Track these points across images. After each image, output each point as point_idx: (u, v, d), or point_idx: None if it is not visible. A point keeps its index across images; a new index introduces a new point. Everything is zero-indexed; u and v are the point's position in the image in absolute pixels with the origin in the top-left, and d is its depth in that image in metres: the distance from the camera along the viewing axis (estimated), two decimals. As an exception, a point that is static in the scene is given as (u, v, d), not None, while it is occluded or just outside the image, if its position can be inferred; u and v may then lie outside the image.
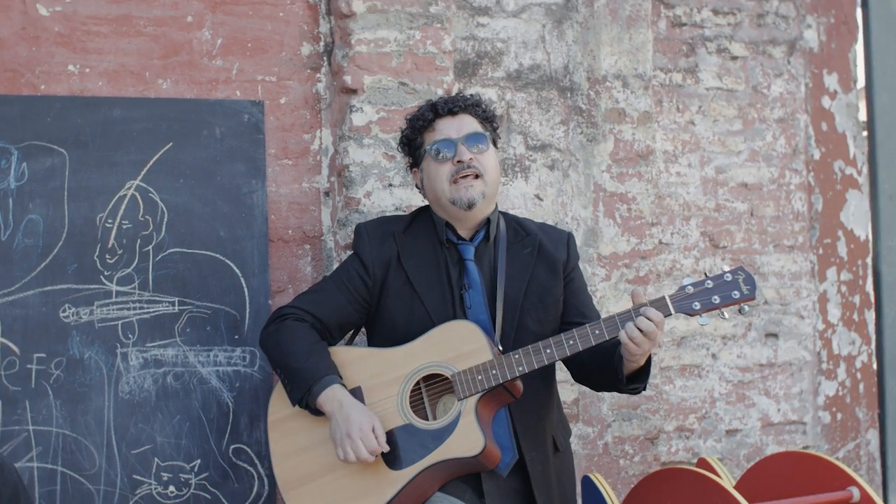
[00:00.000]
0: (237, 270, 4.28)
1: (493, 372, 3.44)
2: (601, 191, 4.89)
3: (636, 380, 3.58)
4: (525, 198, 4.77)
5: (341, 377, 3.53)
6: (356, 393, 3.53)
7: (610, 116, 4.90)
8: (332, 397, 3.46)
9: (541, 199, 4.79)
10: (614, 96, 4.91)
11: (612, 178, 4.90)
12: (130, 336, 4.16)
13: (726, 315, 3.45)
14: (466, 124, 3.68)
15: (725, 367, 5.27)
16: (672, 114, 5.20)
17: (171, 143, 4.25)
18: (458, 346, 3.49)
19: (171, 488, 4.15)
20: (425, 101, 4.15)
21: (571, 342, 3.46)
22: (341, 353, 3.62)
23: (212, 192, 4.28)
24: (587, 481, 4.08)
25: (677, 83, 5.21)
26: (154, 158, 4.23)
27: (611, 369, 3.57)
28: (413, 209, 4.01)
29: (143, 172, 4.22)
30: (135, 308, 4.17)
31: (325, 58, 4.46)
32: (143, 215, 4.21)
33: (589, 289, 4.74)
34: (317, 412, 3.54)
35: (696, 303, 3.43)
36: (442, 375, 3.51)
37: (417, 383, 3.53)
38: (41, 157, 4.11)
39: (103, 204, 4.16)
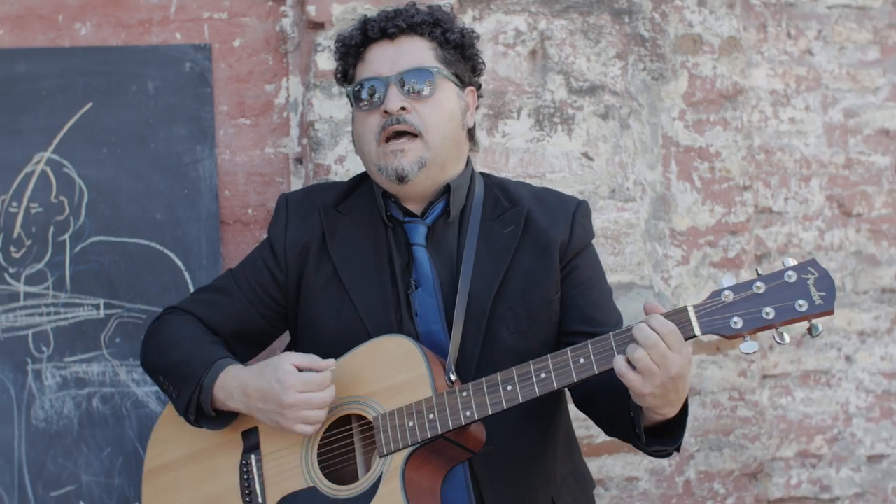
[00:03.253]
0: (179, 263, 3.37)
1: (430, 417, 2.38)
2: (673, 145, 3.69)
3: (662, 437, 2.42)
4: (569, 157, 3.63)
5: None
6: (250, 437, 2.54)
7: (682, 46, 3.69)
8: (230, 384, 2.51)
9: (590, 159, 3.64)
10: (687, 18, 3.69)
11: (686, 127, 3.70)
12: (44, 349, 3.32)
13: (786, 338, 2.25)
14: (407, 53, 2.60)
15: (865, 374, 3.99)
16: (781, 41, 3.93)
17: (90, 104, 3.38)
18: (390, 373, 2.45)
19: (98, 539, 3.29)
20: None
21: (544, 376, 2.33)
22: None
23: (144, 164, 3.39)
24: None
25: (787, 0, 3.92)
26: (69, 124, 3.37)
27: (624, 415, 2.44)
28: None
29: (55, 142, 3.36)
30: (49, 313, 3.33)
31: (293, -15, 3.47)
32: (57, 196, 3.35)
33: (661, 275, 3.59)
34: (216, 421, 2.59)
35: (737, 318, 2.23)
36: (365, 417, 2.47)
37: (342, 422, 2.50)
38: (-74, 128, 3.32)
39: (5, 183, 3.34)
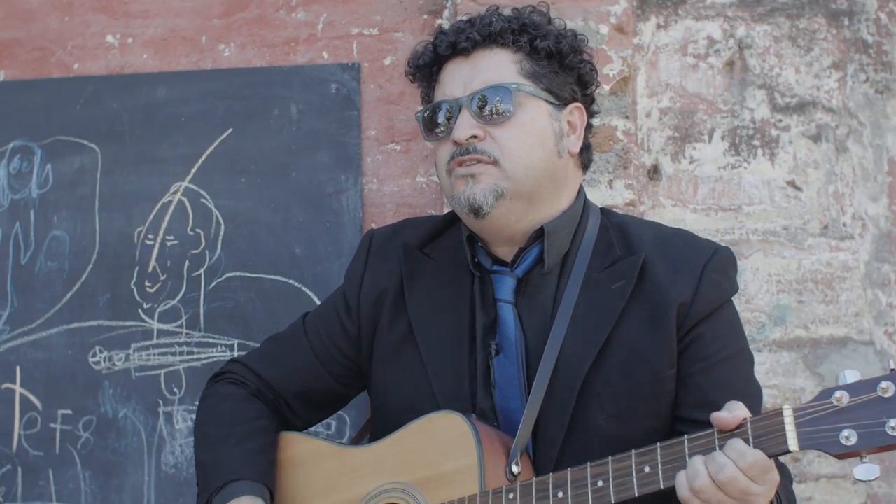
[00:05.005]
0: (318, 302, 3.06)
1: None
2: (902, 172, 3.02)
3: None
4: (770, 187, 3.05)
5: (271, 485, 2.18)
6: None
7: (916, 51, 3.02)
8: None
9: (797, 189, 3.04)
10: (923, 17, 3.02)
11: (920, 150, 3.02)
12: (176, 390, 3.11)
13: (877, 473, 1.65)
14: (483, 70, 2.13)
15: None
16: None
17: (230, 130, 3.16)
18: (438, 458, 2.02)
19: None
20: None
21: (601, 484, 1.82)
22: (296, 445, 2.27)
23: (284, 194, 3.12)
24: None
25: None
26: (208, 151, 3.16)
27: None
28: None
29: (193, 171, 3.16)
30: (182, 353, 3.12)
31: (450, -5, 3.11)
32: (193, 228, 3.14)
33: (884, 329, 2.97)
34: None
35: (850, 430, 1.66)
36: None
37: None
38: (68, 157, 3.21)
39: (142, 214, 3.17)
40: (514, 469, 1.95)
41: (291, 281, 3.10)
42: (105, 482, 3.12)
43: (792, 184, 3.05)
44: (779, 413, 1.70)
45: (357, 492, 2.10)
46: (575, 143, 2.18)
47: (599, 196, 2.88)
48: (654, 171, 3.08)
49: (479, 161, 2.07)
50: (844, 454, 1.66)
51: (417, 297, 2.21)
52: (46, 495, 3.14)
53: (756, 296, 3.05)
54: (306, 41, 3.18)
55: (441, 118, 2.13)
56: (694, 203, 3.07)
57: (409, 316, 2.20)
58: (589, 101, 2.24)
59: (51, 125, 3.21)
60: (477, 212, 2.08)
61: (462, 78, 2.13)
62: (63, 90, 3.21)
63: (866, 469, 1.65)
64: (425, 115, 2.17)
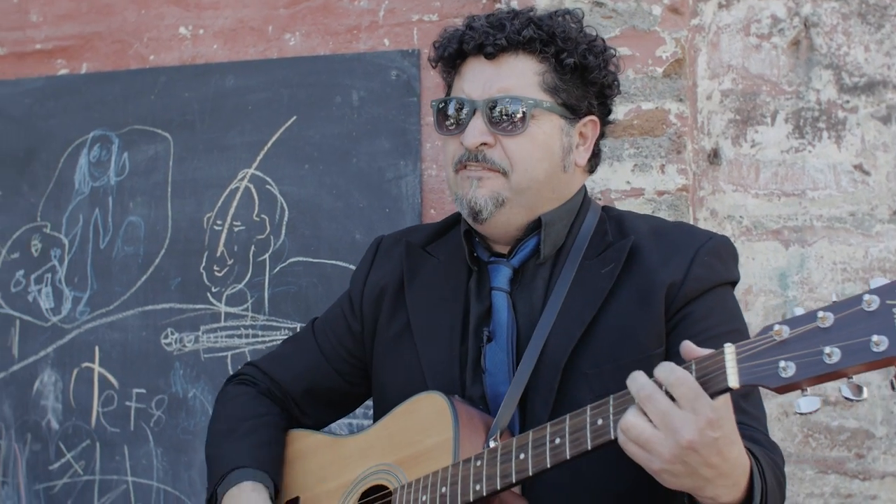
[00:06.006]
0: (377, 286, 3.11)
1: (442, 491, 1.92)
2: (978, 154, 2.88)
3: None
4: (836, 171, 2.94)
5: (275, 475, 2.22)
6: None
7: None
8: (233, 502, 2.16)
9: (865, 173, 2.93)
10: None
11: None
12: (243, 371, 3.20)
13: (864, 393, 1.55)
14: (505, 77, 2.09)
15: None
16: None
17: (294, 117, 3.23)
18: (419, 437, 2.03)
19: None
20: (628, 27, 2.72)
21: (557, 442, 1.79)
22: (298, 441, 2.31)
23: (345, 180, 3.17)
24: None
25: None
26: (273, 139, 3.23)
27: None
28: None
29: (259, 158, 3.24)
30: (247, 336, 3.21)
31: (512, -19, 3.09)
32: (259, 214, 3.23)
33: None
34: None
35: (787, 362, 1.56)
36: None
37: (377, 490, 2.11)
38: (143, 145, 3.34)
39: (211, 200, 3.27)
40: (492, 444, 1.95)
41: (352, 266, 3.15)
42: (175, 459, 3.25)
43: (859, 168, 2.94)
44: (721, 352, 1.63)
45: (347, 477, 2.14)
46: (583, 155, 2.14)
47: (651, 181, 2.83)
48: (715, 156, 3.01)
49: (487, 169, 2.08)
50: (784, 387, 1.57)
51: (416, 292, 2.22)
52: (122, 470, 3.29)
53: (820, 284, 2.95)
54: (368, 28, 3.23)
55: (454, 114, 2.12)
56: (755, 188, 2.99)
57: (407, 311, 2.21)
58: (605, 113, 2.20)
59: (127, 115, 3.35)
60: (476, 216, 2.07)
61: (483, 79, 2.10)
62: (138, 81, 3.34)
63: (808, 401, 1.58)
64: (440, 106, 2.16)
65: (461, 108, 2.10)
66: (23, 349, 3.39)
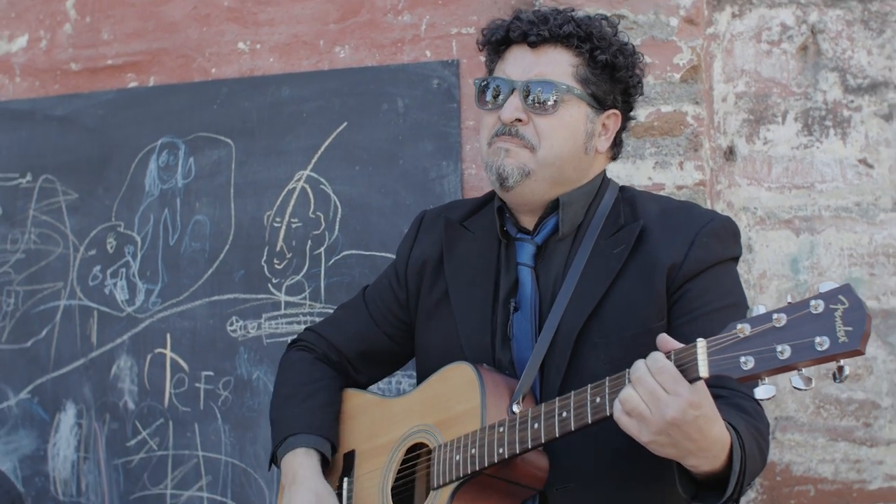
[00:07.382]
0: (423, 276, 3.41)
1: (472, 452, 2.22)
2: (973, 148, 3.15)
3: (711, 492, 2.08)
4: (842, 165, 3.22)
5: (329, 435, 2.54)
6: (348, 460, 2.53)
7: (985, 30, 3.13)
8: (289, 468, 2.49)
9: (869, 167, 3.21)
10: None
11: None
12: (302, 355, 3.52)
13: (813, 382, 1.85)
14: (543, 64, 2.39)
15: None
16: None
17: (345, 123, 3.53)
18: (452, 402, 2.33)
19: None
20: (648, 37, 2.99)
21: (564, 415, 2.09)
22: (351, 400, 2.63)
23: (392, 180, 3.48)
24: None
25: None
26: (326, 143, 3.54)
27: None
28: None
29: (313, 160, 3.55)
30: (306, 322, 3.52)
31: (542, -5, 3.39)
32: (314, 211, 3.54)
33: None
34: None
35: (748, 356, 1.87)
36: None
37: (420, 447, 2.44)
38: (207, 150, 3.66)
39: (271, 200, 3.58)
40: (515, 409, 2.25)
41: (399, 257, 3.47)
42: (242, 435, 3.57)
43: (864, 162, 3.21)
44: (694, 345, 1.93)
45: (395, 434, 2.45)
46: (604, 143, 2.43)
47: (671, 177, 3.13)
48: (730, 153, 3.29)
49: (518, 143, 2.36)
50: (745, 377, 1.87)
51: (454, 264, 2.52)
52: (193, 445, 3.62)
53: (828, 269, 3.23)
54: (411, 41, 3.53)
55: (494, 91, 2.40)
56: (768, 182, 3.26)
57: (445, 282, 2.51)
58: (628, 109, 2.49)
59: (192, 123, 3.67)
60: (503, 182, 2.36)
61: (523, 64, 2.39)
62: (202, 92, 3.66)
63: (764, 389, 1.87)
64: (482, 83, 2.45)
65: (501, 88, 2.40)
66: (101, 337, 3.72)
